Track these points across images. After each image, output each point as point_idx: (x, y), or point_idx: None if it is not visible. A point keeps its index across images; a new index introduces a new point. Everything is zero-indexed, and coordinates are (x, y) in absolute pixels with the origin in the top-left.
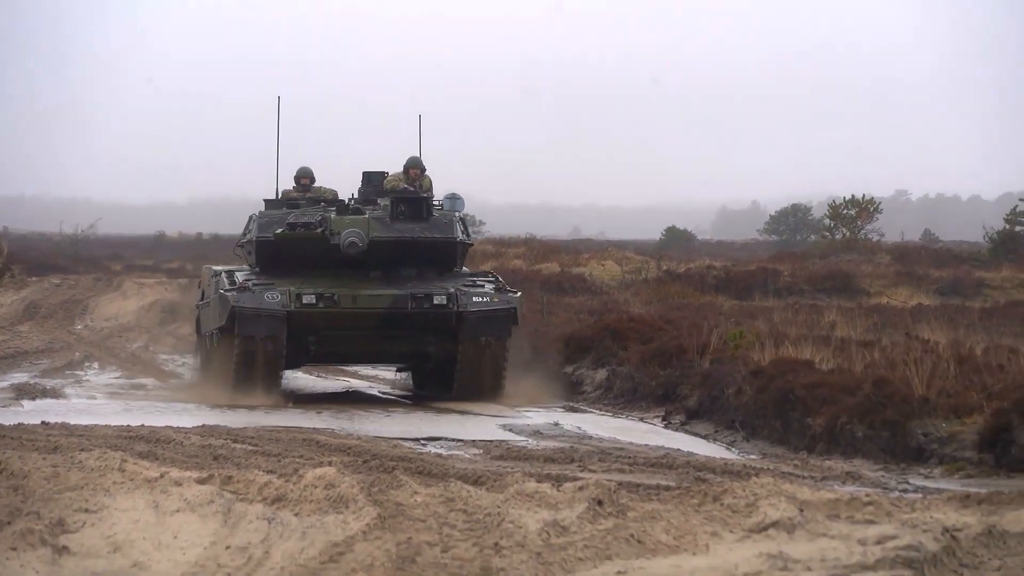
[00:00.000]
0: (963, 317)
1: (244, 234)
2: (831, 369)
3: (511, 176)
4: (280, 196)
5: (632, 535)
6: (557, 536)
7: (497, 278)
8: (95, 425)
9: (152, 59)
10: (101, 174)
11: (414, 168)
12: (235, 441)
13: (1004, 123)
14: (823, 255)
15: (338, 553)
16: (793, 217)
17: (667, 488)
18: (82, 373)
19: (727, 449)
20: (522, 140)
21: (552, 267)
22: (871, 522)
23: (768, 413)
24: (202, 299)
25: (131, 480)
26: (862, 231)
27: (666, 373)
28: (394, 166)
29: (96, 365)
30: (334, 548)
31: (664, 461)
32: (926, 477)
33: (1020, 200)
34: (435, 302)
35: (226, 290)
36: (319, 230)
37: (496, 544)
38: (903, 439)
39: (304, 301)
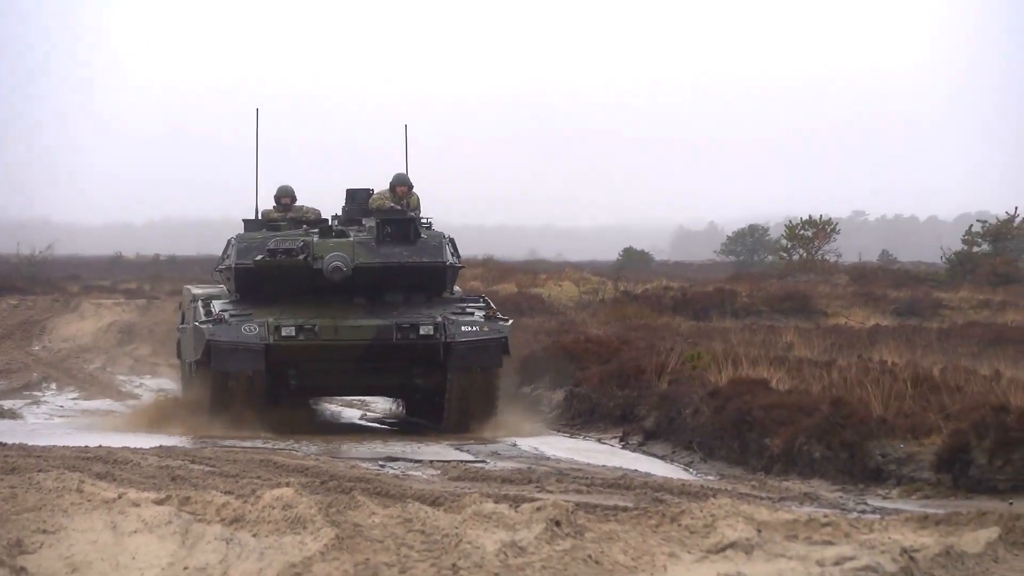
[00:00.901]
0: (921, 338)
1: (223, 258)
2: (789, 390)
3: (468, 197)
4: (260, 216)
5: (590, 556)
6: (515, 557)
7: (488, 303)
8: (53, 446)
9: (113, 80)
10: (59, 195)
11: (401, 185)
12: (193, 462)
13: (961, 144)
14: (780, 276)
15: (296, 574)
16: (750, 238)
17: (625, 509)
18: (40, 394)
19: (685, 470)
20: (479, 161)
21: (509, 288)
22: (829, 543)
23: (726, 434)
24: (182, 322)
25: (89, 501)
26: (819, 252)
27: (624, 394)
28: (377, 181)
29: (54, 386)
30: (292, 569)
31: (622, 482)
32: (884, 498)
33: (978, 221)
34: (421, 332)
35: (201, 322)
36: (301, 256)
37: (454, 565)
38: (861, 460)
39: (283, 333)
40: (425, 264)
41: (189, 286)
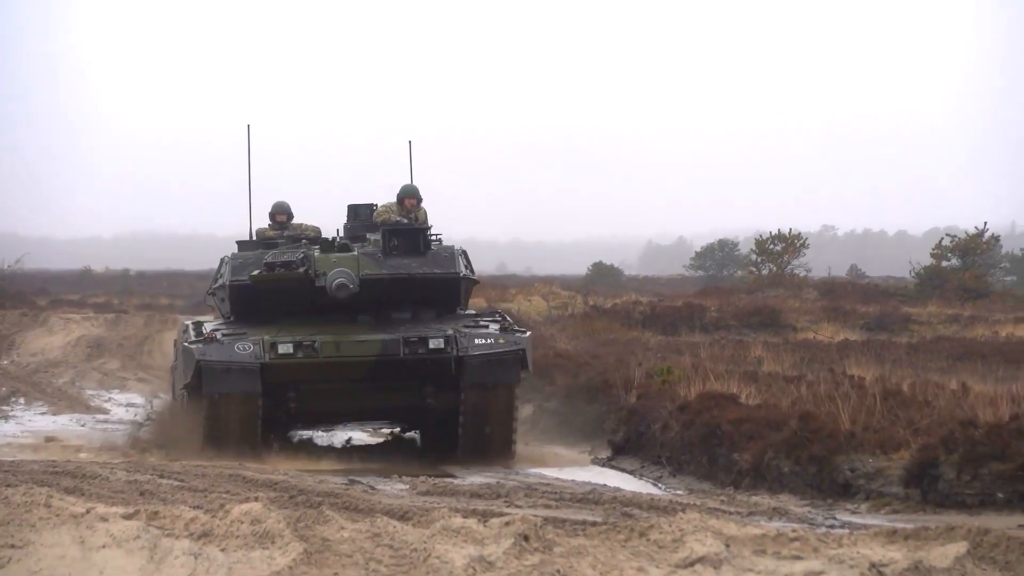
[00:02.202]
0: (890, 352)
1: (215, 279)
2: (757, 405)
3: (436, 211)
4: (255, 236)
5: (558, 571)
6: (483, 571)
7: (504, 317)
8: (21, 460)
9: (87, 91)
10: (27, 209)
11: (410, 198)
12: (161, 476)
13: (931, 159)
14: (749, 290)
15: None
16: (720, 252)
17: (593, 524)
18: (8, 408)
19: (653, 484)
20: (447, 176)
21: (479, 302)
22: (797, 558)
23: (694, 448)
24: (176, 360)
25: (57, 516)
26: (789, 266)
27: (592, 408)
28: (376, 199)
29: (22, 400)
30: None
31: (591, 497)
32: (853, 512)
33: (947, 235)
34: (431, 346)
35: (191, 342)
36: (302, 270)
37: None
38: (830, 474)
39: (280, 351)
40: (437, 276)
41: (186, 321)
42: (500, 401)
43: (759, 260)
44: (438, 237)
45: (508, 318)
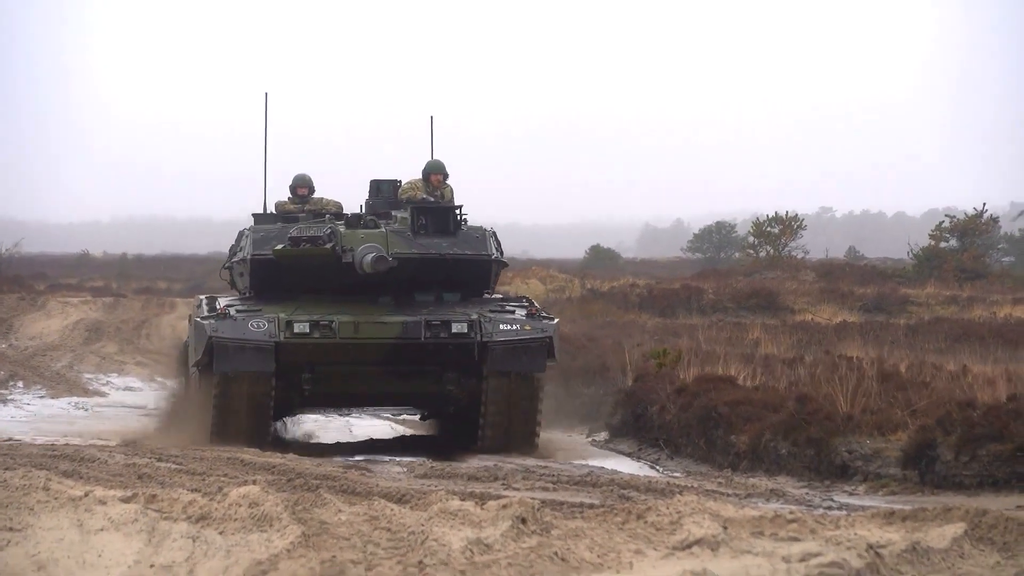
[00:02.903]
0: (887, 334)
1: (233, 252)
2: (755, 387)
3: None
4: (273, 209)
5: (556, 553)
6: (481, 554)
7: (531, 303)
8: (20, 443)
9: (88, 75)
10: (26, 193)
11: (436, 174)
12: (159, 460)
13: (929, 140)
14: (747, 272)
15: (262, 571)
16: (717, 235)
17: (591, 506)
18: (7, 392)
19: (651, 467)
20: (398, 172)
21: None
22: (795, 539)
23: (692, 431)
24: (189, 336)
25: (55, 499)
26: (786, 248)
27: (590, 391)
28: (395, 175)
29: (21, 384)
30: (258, 566)
31: (588, 479)
32: (850, 494)
33: (946, 216)
34: (454, 330)
35: (204, 317)
36: (329, 245)
37: (420, 562)
38: (827, 456)
39: (296, 330)
40: (468, 257)
41: (201, 296)
42: (524, 391)
43: (756, 242)
44: (464, 217)
45: (535, 304)
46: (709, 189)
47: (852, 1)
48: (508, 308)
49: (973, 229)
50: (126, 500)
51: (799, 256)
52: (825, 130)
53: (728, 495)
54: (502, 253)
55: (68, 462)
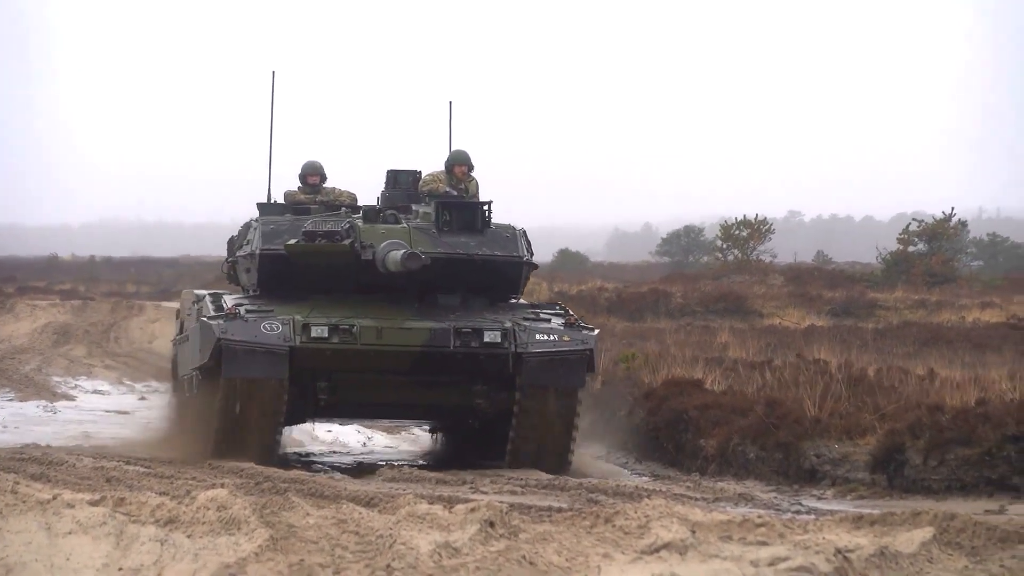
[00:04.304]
0: (856, 338)
1: (238, 247)
2: (723, 391)
3: None
4: (282, 199)
5: (524, 557)
6: (449, 558)
7: (567, 311)
8: None
9: (58, 80)
10: None
11: (460, 165)
12: (128, 463)
13: (896, 144)
14: (715, 276)
15: (230, 575)
16: (686, 238)
17: (559, 510)
18: None
19: (619, 470)
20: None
21: None
22: (763, 543)
23: (660, 434)
24: (180, 332)
25: (23, 502)
26: (755, 252)
27: None
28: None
29: None
30: (226, 570)
31: (556, 483)
32: (819, 498)
33: (914, 220)
34: (486, 339)
35: (211, 317)
36: (347, 241)
37: (388, 566)
38: (796, 460)
39: (313, 334)
40: (498, 259)
41: (192, 290)
42: (560, 407)
43: (725, 246)
44: (489, 210)
45: (570, 311)
46: (678, 193)
47: (817, 7)
48: (543, 315)
49: (941, 233)
50: (94, 503)
51: (767, 260)
52: (793, 134)
53: (696, 499)
54: (532, 254)
55: (36, 465)
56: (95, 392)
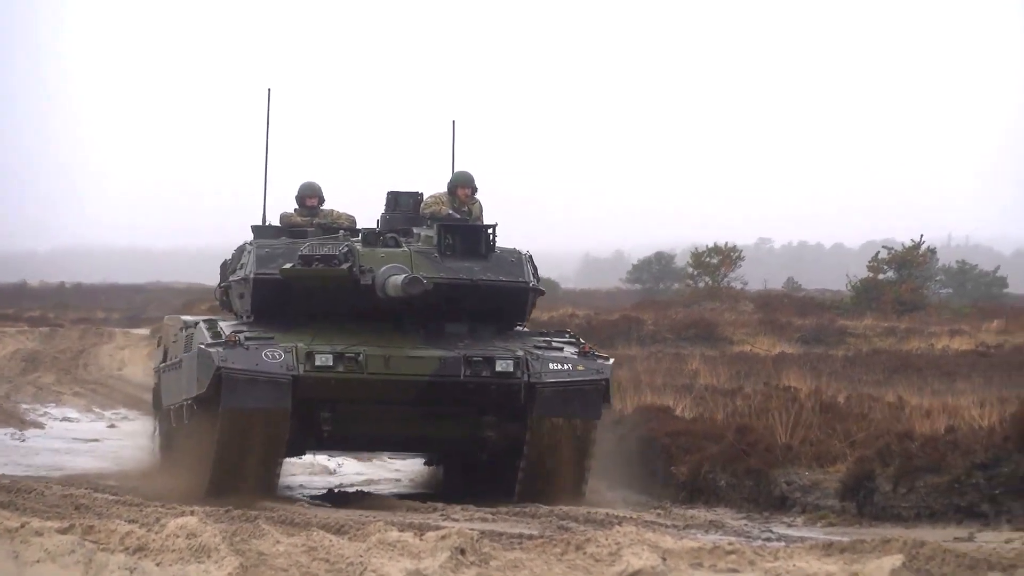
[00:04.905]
0: (826, 365)
1: (231, 271)
2: (694, 418)
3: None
4: (278, 222)
5: None
6: None
7: (577, 338)
8: None
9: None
10: None
11: (463, 187)
12: (96, 490)
13: (866, 172)
14: (686, 303)
15: None
16: (656, 265)
17: (530, 537)
18: None
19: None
20: (413, 184)
21: None
22: (734, 571)
23: (631, 461)
24: (164, 359)
25: None
26: (725, 279)
27: None
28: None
29: None
30: None
31: (527, 510)
32: (789, 525)
33: (883, 248)
34: (498, 369)
35: (208, 345)
36: (345, 266)
37: None
38: (766, 487)
39: (317, 362)
40: (503, 285)
41: (178, 315)
42: (575, 439)
43: (695, 273)
44: (494, 233)
45: (581, 339)
46: (649, 220)
47: (787, 32)
48: (555, 344)
49: (911, 261)
50: (63, 531)
51: (738, 287)
52: (763, 162)
53: (667, 526)
54: (539, 279)
55: (4, 493)
56: (64, 419)
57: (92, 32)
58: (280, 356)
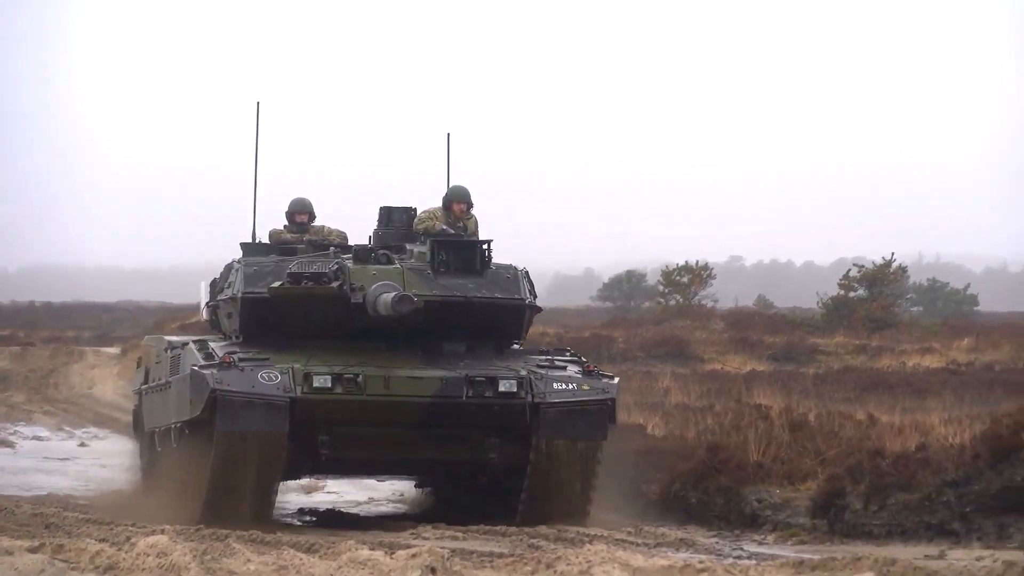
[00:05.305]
0: (797, 383)
1: (219, 290)
2: (665, 435)
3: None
4: (267, 239)
5: None
6: None
7: (578, 356)
8: None
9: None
10: None
11: (459, 202)
12: (66, 509)
13: (835, 190)
14: (657, 321)
15: None
16: (627, 283)
17: (500, 555)
18: None
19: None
20: (406, 199)
21: None
22: None
23: (602, 480)
24: (146, 380)
25: None
26: (696, 297)
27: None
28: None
29: None
30: None
31: (498, 528)
32: (760, 543)
33: (854, 265)
34: (501, 389)
35: (202, 366)
36: (335, 284)
37: None
38: (737, 505)
39: (316, 384)
40: (498, 302)
41: (161, 335)
42: (580, 460)
43: (666, 291)
44: (489, 249)
45: (582, 357)
46: (619, 238)
47: (755, 50)
48: (557, 363)
49: (882, 278)
50: (33, 550)
51: (709, 305)
52: (733, 179)
53: (638, 544)
54: (535, 296)
55: None
56: (35, 438)
57: (59, 46)
58: (276, 378)
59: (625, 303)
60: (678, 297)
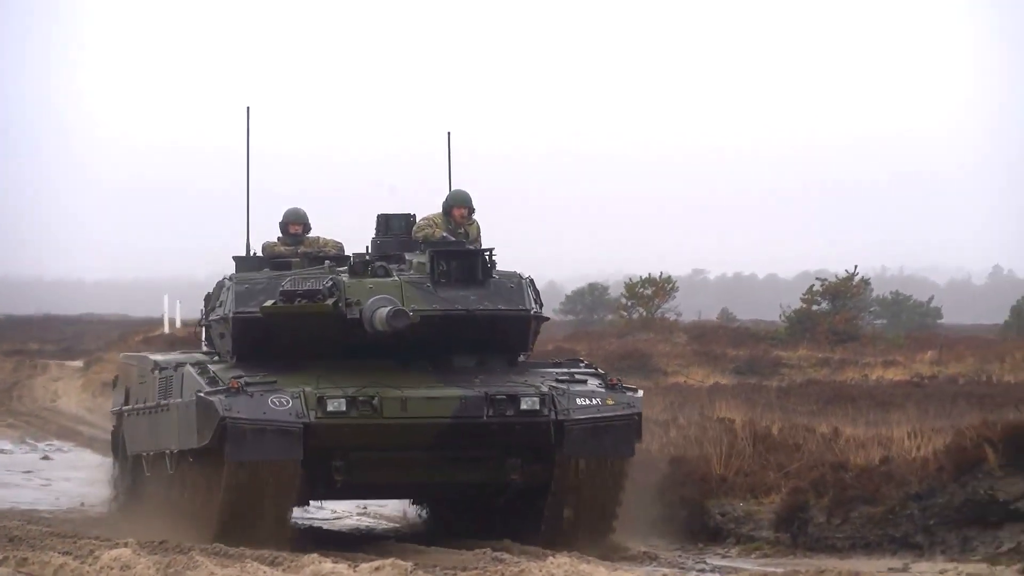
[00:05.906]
0: (760, 396)
1: (211, 308)
2: None
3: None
4: (259, 252)
5: None
6: None
7: (597, 369)
8: None
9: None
10: None
11: (460, 207)
12: (29, 522)
13: (798, 204)
14: (620, 334)
15: None
16: (590, 296)
17: (464, 568)
18: None
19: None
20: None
21: None
22: None
23: None
24: (126, 401)
25: None
26: (659, 310)
27: None
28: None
29: None
30: None
31: (461, 542)
32: (723, 557)
33: (817, 279)
34: (523, 407)
35: (208, 392)
36: (330, 301)
37: None
38: (700, 518)
39: (330, 408)
40: (502, 313)
41: (145, 354)
42: (607, 479)
43: (629, 304)
44: (492, 257)
45: (599, 369)
46: (581, 250)
47: (719, 62)
48: (577, 376)
49: (845, 292)
50: None
51: (672, 318)
52: (697, 192)
53: (601, 558)
54: (541, 305)
55: None
56: None
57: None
58: (288, 403)
59: (588, 316)
60: (641, 310)
